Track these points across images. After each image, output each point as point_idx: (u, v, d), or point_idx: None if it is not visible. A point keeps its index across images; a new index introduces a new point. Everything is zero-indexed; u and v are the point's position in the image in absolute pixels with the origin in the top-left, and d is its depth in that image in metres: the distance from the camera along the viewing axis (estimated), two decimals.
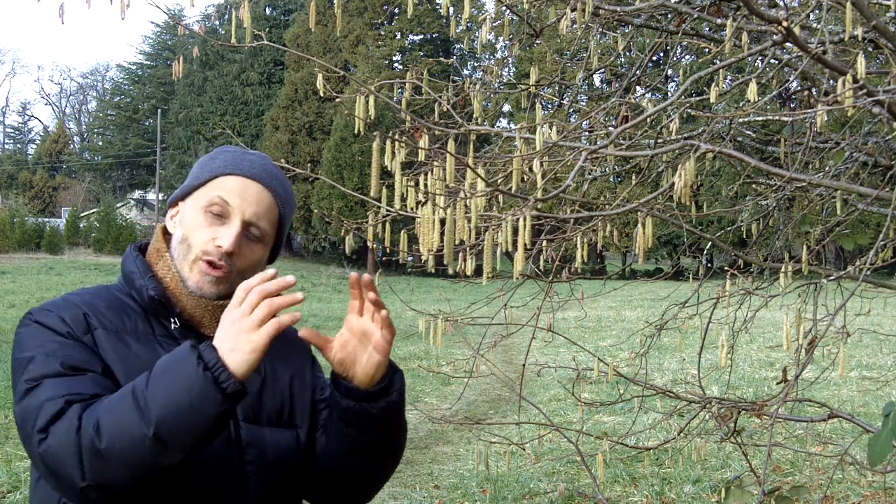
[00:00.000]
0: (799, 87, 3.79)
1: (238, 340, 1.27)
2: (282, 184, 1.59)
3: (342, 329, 1.45)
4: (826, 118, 2.57)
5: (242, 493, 1.48)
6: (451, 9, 3.78)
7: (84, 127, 73.39)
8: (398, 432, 1.55)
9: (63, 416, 1.29)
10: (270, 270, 1.29)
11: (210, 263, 1.49)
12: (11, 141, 76.53)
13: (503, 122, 36.90)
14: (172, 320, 1.51)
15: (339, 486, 1.59)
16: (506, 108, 26.46)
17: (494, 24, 3.63)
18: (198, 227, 1.51)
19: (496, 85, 4.00)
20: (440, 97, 2.91)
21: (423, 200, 2.26)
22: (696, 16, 2.95)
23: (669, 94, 3.26)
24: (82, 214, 43.27)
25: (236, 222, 1.50)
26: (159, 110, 53.79)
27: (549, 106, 4.70)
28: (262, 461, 1.51)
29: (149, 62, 61.39)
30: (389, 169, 2.29)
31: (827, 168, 3.46)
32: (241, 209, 1.51)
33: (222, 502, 1.45)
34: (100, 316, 1.46)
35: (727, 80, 4.34)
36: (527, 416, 6.01)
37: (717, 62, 2.99)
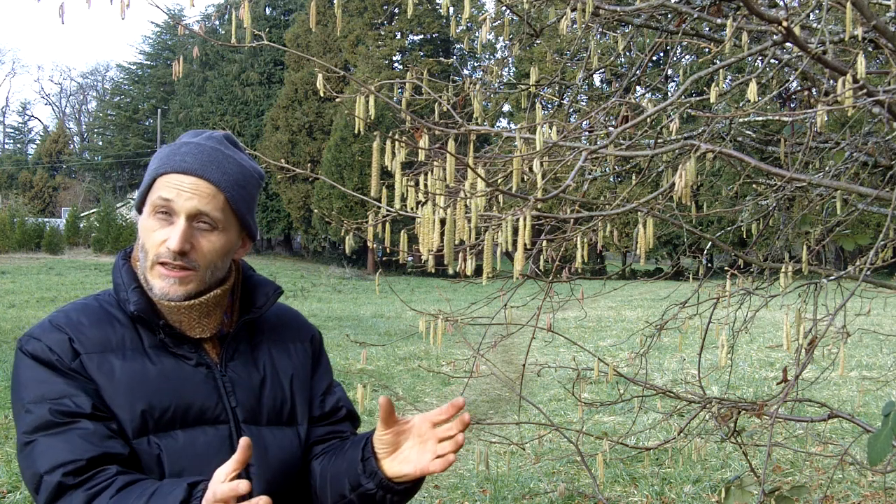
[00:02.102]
0: (799, 87, 3.79)
1: None
2: (220, 167, 1.53)
3: (412, 418, 1.47)
4: (826, 118, 2.57)
5: (247, 494, 1.49)
6: (451, 9, 3.78)
7: (84, 127, 73.44)
8: None
9: (65, 495, 1.35)
10: (262, 501, 1.22)
11: (165, 265, 1.50)
12: (11, 141, 76.62)
13: (503, 122, 36.92)
14: (159, 332, 1.51)
15: None
16: (506, 108, 26.47)
17: (494, 24, 3.63)
18: (149, 231, 1.51)
19: (496, 85, 4.00)
20: (440, 97, 2.91)
21: (423, 200, 2.26)
22: (696, 16, 2.96)
23: (669, 94, 3.26)
24: (82, 214, 43.23)
25: (180, 220, 1.49)
26: (159, 110, 53.82)
27: (549, 106, 4.70)
28: (263, 461, 1.51)
29: (149, 62, 61.41)
30: (389, 169, 2.29)
31: (827, 168, 3.46)
32: (181, 205, 1.49)
33: None
34: (83, 338, 1.48)
35: (727, 80, 4.34)
36: (527, 416, 6.01)
37: (717, 62, 2.99)
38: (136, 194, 1.61)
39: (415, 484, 1.50)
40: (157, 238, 1.50)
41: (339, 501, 1.53)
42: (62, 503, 1.35)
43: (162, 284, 1.50)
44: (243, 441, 1.24)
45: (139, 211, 1.59)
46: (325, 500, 1.55)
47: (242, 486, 1.20)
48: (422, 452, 1.44)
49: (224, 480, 1.22)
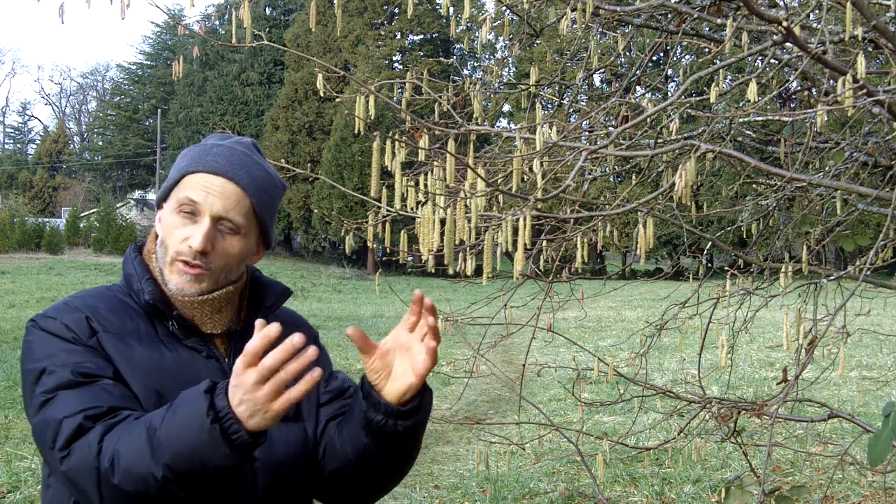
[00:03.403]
0: (799, 87, 3.79)
1: (254, 409, 1.23)
2: (249, 172, 1.55)
3: (387, 338, 1.45)
4: (826, 118, 2.57)
5: (251, 490, 1.49)
6: (451, 9, 3.78)
7: (84, 127, 73.39)
8: (416, 447, 1.55)
9: (84, 436, 1.33)
10: (296, 338, 1.20)
11: (186, 263, 1.50)
12: (11, 141, 76.57)
13: (503, 122, 36.92)
14: (171, 322, 1.52)
15: (343, 487, 1.58)
16: (506, 108, 26.46)
17: (494, 24, 3.63)
18: (172, 228, 1.52)
19: (496, 85, 4.00)
20: (440, 97, 2.91)
21: (423, 200, 2.26)
22: (696, 16, 2.96)
23: (669, 94, 3.26)
24: (82, 214, 43.19)
25: (205, 220, 1.50)
26: (159, 110, 53.81)
27: (549, 106, 4.70)
28: (269, 457, 1.51)
29: (149, 62, 61.37)
30: (389, 169, 2.29)
31: (827, 168, 3.46)
32: (209, 206, 1.50)
33: (231, 500, 1.47)
34: (101, 319, 1.48)
35: (727, 80, 4.34)
36: (527, 416, 6.01)
37: (717, 62, 2.99)
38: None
39: (421, 401, 1.45)
40: (179, 235, 1.50)
41: (361, 452, 1.49)
42: (80, 442, 1.33)
43: (178, 280, 1.50)
44: (258, 323, 1.24)
45: (159, 206, 1.59)
46: (348, 459, 1.52)
47: (273, 329, 1.20)
48: (413, 357, 1.41)
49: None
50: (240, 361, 1.22)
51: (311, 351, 1.22)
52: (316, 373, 1.22)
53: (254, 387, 1.21)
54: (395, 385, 1.42)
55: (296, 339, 1.20)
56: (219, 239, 1.51)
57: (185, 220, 1.51)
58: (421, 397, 1.45)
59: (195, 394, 1.27)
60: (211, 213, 1.50)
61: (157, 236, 1.58)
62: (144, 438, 1.28)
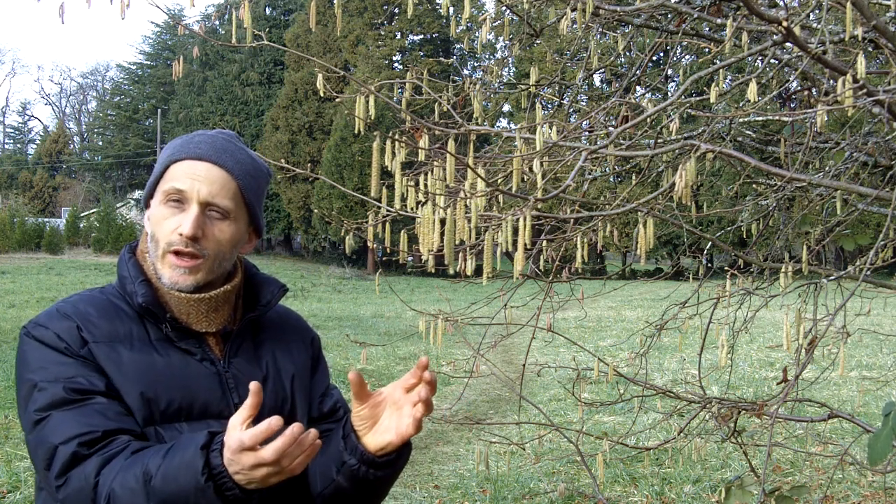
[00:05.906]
0: (799, 87, 3.79)
1: (251, 480, 1.24)
2: (233, 156, 1.55)
3: (384, 388, 1.46)
4: (826, 118, 2.57)
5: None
6: (451, 9, 3.78)
7: (84, 127, 73.38)
8: (384, 494, 1.57)
9: (80, 464, 1.33)
10: (296, 428, 1.21)
11: (177, 253, 1.49)
12: (11, 141, 76.57)
13: (503, 122, 36.91)
14: (165, 325, 1.51)
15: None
16: (506, 108, 26.45)
17: (494, 24, 3.63)
18: (161, 220, 1.52)
19: (496, 85, 4.00)
20: (440, 97, 2.91)
21: (423, 200, 2.26)
22: (696, 16, 2.95)
23: (669, 94, 3.26)
24: (82, 214, 43.16)
25: (193, 207, 1.50)
26: (159, 110, 53.80)
27: (549, 106, 4.70)
28: None
29: (149, 62, 61.36)
30: (389, 169, 2.29)
31: (827, 168, 3.46)
32: (195, 191, 1.50)
33: None
34: (92, 327, 1.47)
35: (727, 80, 4.34)
36: (527, 416, 6.01)
37: (717, 62, 2.99)
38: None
39: (398, 456, 1.47)
40: (168, 226, 1.50)
41: (328, 486, 1.52)
42: (76, 471, 1.33)
43: (171, 274, 1.50)
44: (253, 385, 1.23)
45: (147, 203, 1.59)
46: (316, 488, 1.55)
47: (274, 422, 1.20)
48: (399, 418, 1.43)
49: (243, 428, 1.21)
50: (234, 444, 1.21)
51: (311, 435, 1.24)
52: (317, 445, 1.25)
53: (252, 468, 1.22)
54: (375, 437, 1.45)
55: (295, 429, 1.21)
56: (209, 225, 1.51)
57: (174, 210, 1.51)
58: (399, 452, 1.47)
59: (192, 448, 1.26)
60: (198, 199, 1.50)
61: (148, 234, 1.57)
62: (140, 482, 1.28)
